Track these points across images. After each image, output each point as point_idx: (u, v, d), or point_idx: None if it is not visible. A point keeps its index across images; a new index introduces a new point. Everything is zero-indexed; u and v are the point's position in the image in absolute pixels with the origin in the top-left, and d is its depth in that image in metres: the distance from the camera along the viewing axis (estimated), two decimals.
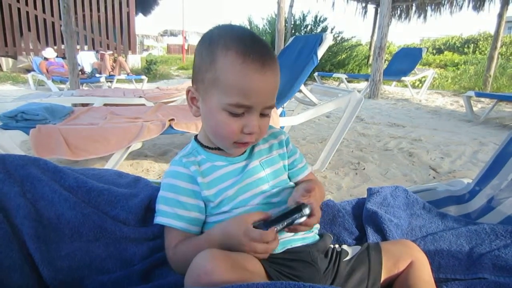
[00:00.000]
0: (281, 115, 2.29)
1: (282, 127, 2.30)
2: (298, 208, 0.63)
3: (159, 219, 0.70)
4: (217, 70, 0.63)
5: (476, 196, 1.15)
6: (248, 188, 0.72)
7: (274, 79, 0.65)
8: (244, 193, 0.71)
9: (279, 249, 0.68)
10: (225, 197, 0.70)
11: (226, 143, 0.69)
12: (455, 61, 11.54)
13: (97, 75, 6.62)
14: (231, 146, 0.69)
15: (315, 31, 10.12)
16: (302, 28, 10.31)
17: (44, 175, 0.77)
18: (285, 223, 0.61)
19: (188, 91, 0.71)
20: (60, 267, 0.69)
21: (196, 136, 0.78)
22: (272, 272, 0.63)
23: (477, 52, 13.53)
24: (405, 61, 7.21)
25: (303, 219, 0.62)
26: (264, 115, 0.67)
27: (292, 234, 0.70)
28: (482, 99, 5.83)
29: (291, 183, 0.79)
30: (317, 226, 0.79)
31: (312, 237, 0.74)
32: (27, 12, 8.72)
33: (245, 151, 0.75)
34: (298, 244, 0.70)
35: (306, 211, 0.63)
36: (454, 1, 8.62)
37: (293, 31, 9.81)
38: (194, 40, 25.33)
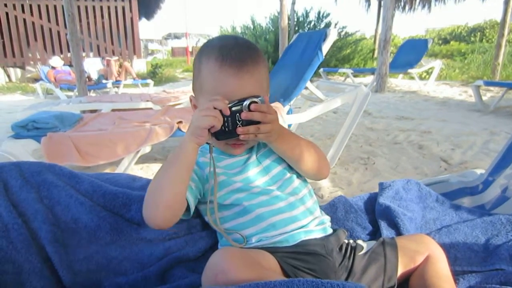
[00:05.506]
0: (288, 112, 2.29)
1: (289, 125, 2.30)
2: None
3: None
4: (201, 78, 0.70)
5: (489, 187, 1.13)
6: (249, 181, 0.74)
7: (253, 82, 0.69)
8: (247, 184, 0.74)
9: (291, 242, 0.69)
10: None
11: (219, 146, 0.74)
12: (462, 50, 11.35)
13: (104, 81, 6.68)
14: (225, 148, 0.74)
15: (318, 27, 10.06)
16: (306, 24, 10.25)
17: (59, 180, 0.78)
18: (236, 101, 0.65)
19: (190, 99, 0.78)
20: (79, 270, 0.71)
21: None
22: (287, 267, 0.63)
23: (483, 40, 13.30)
24: (411, 53, 7.13)
25: (253, 100, 0.65)
26: None
27: (300, 226, 0.71)
28: (491, 88, 5.73)
29: (289, 175, 0.78)
30: (328, 217, 0.80)
31: (324, 229, 0.75)
32: (33, 23, 8.84)
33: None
34: (309, 236, 0.71)
35: (258, 97, 0.66)
36: None
37: (296, 28, 9.77)
38: (198, 42, 25.40)
